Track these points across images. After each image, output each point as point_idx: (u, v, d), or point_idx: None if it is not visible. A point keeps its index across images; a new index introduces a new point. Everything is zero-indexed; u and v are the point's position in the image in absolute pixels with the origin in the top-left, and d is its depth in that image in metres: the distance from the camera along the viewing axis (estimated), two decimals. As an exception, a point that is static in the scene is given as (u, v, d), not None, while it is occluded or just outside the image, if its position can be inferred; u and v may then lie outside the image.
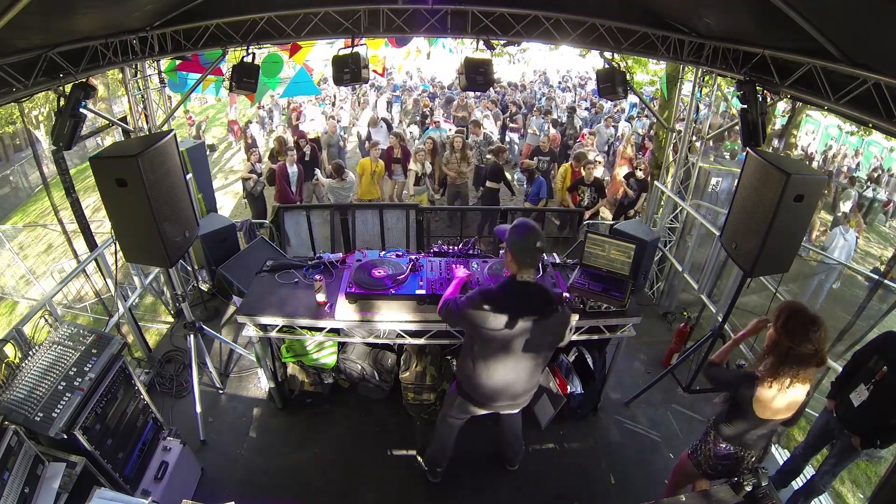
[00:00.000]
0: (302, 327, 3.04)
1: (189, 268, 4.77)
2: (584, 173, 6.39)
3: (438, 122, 9.46)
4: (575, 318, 2.39)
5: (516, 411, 2.69)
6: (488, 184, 6.84)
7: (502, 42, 6.82)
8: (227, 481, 3.06)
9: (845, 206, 8.71)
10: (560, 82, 17.70)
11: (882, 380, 2.52)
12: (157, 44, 3.77)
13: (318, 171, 7.05)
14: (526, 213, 6.36)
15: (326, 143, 8.37)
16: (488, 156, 7.00)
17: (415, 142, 8.65)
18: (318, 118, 9.59)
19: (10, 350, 2.40)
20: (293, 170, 6.33)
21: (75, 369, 2.24)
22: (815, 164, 12.47)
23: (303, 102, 10.63)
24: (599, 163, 7.29)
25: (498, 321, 2.19)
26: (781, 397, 2.05)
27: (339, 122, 9.83)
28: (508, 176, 7.66)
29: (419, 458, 3.16)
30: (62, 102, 3.11)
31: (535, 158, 7.55)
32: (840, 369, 2.88)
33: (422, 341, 3.07)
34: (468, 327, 2.33)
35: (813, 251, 6.58)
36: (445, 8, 3.79)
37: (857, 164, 12.47)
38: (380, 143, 7.33)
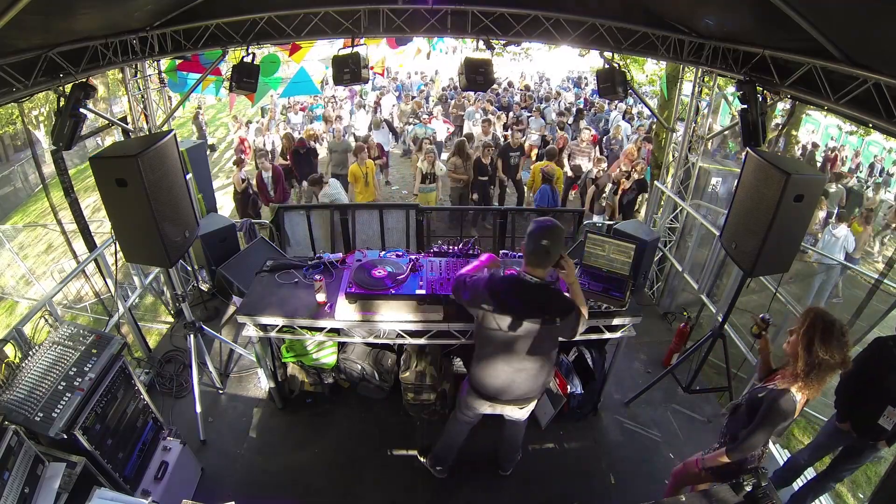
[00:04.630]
0: (302, 327, 3.04)
1: (189, 268, 4.77)
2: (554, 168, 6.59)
3: (428, 119, 9.48)
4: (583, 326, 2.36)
5: (522, 415, 2.67)
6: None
7: (502, 42, 6.84)
8: (227, 481, 3.06)
9: (833, 205, 8.58)
10: (558, 83, 17.68)
11: None
12: (157, 44, 3.78)
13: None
14: (528, 212, 6.36)
15: (331, 148, 8.23)
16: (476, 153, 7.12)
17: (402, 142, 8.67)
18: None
19: (10, 350, 2.40)
20: (267, 175, 6.76)
21: (75, 369, 2.24)
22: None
23: (300, 102, 10.65)
24: (602, 159, 7.36)
25: (493, 313, 2.25)
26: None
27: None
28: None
29: (420, 458, 3.16)
30: (62, 102, 3.11)
31: (508, 154, 7.57)
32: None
33: (422, 341, 3.07)
34: (471, 309, 2.41)
35: (812, 251, 6.56)
36: (445, 8, 3.79)
37: (858, 165, 12.38)
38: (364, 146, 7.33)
